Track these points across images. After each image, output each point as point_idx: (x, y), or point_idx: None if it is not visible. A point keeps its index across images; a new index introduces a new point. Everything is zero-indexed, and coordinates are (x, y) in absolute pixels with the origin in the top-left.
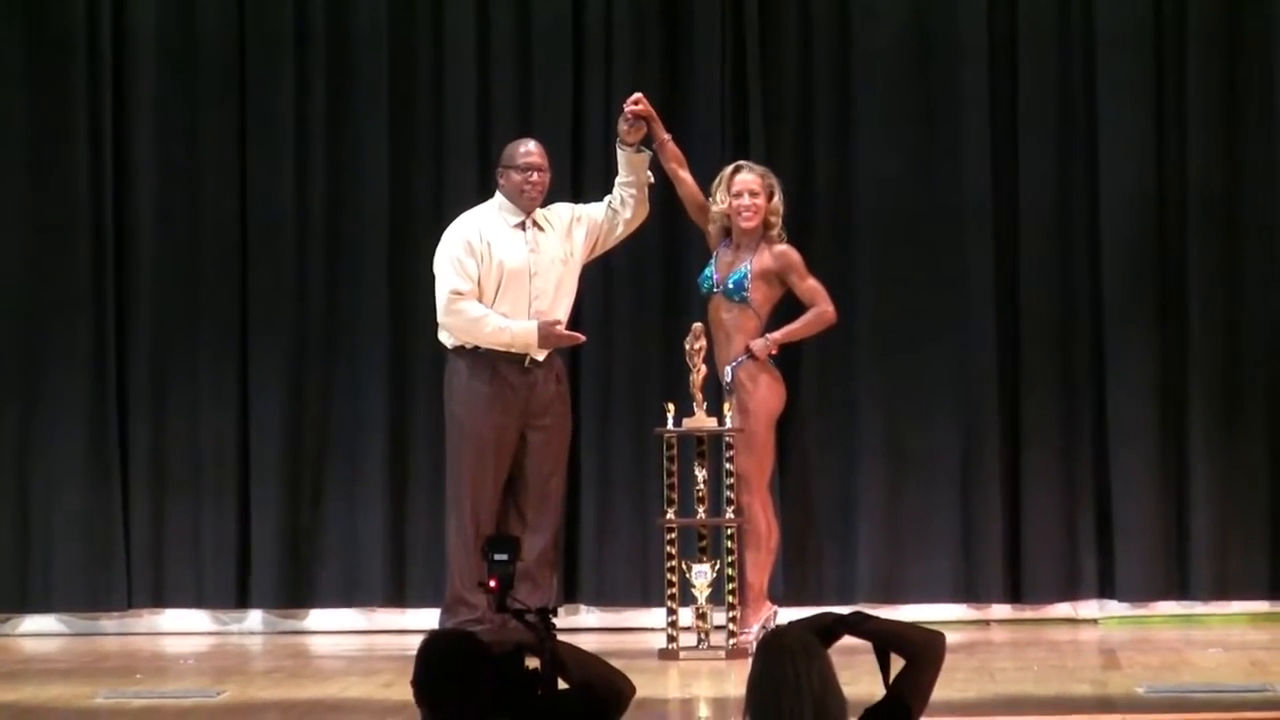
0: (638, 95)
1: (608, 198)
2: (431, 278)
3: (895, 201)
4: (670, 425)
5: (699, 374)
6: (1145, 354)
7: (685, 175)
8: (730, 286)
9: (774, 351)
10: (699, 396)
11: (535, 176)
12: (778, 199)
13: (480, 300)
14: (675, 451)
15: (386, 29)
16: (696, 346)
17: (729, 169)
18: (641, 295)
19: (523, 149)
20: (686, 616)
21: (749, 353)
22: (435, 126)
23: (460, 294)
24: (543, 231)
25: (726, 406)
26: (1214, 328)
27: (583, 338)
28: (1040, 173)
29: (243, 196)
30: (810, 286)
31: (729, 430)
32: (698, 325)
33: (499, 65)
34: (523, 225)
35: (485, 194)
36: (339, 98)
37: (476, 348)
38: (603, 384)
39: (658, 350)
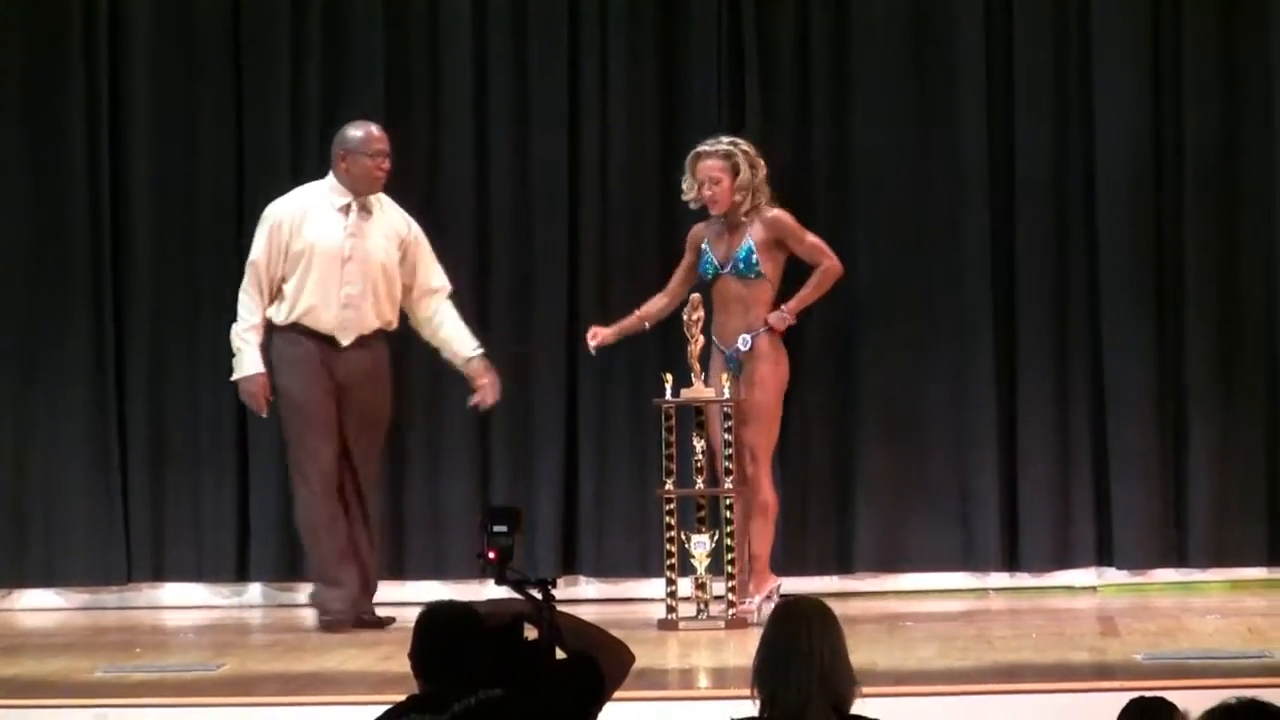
0: (594, 332)
1: (434, 301)
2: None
3: (892, 171)
4: (668, 396)
5: (696, 344)
6: (1142, 321)
7: (656, 307)
8: (741, 266)
9: (792, 322)
10: (697, 367)
11: (386, 163)
12: (745, 174)
13: (288, 279)
14: (673, 422)
15: (382, 4)
16: (694, 317)
17: (690, 157)
18: (638, 266)
19: (375, 132)
20: (686, 587)
21: (767, 325)
22: (431, 107)
23: (255, 273)
24: (370, 216)
25: (724, 378)
26: (1210, 295)
27: (264, 414)
28: (1037, 142)
29: (239, 173)
30: (811, 245)
31: (727, 400)
32: (695, 295)
33: (495, 44)
34: (347, 208)
35: (482, 171)
36: (334, 78)
37: (293, 324)
38: (601, 355)
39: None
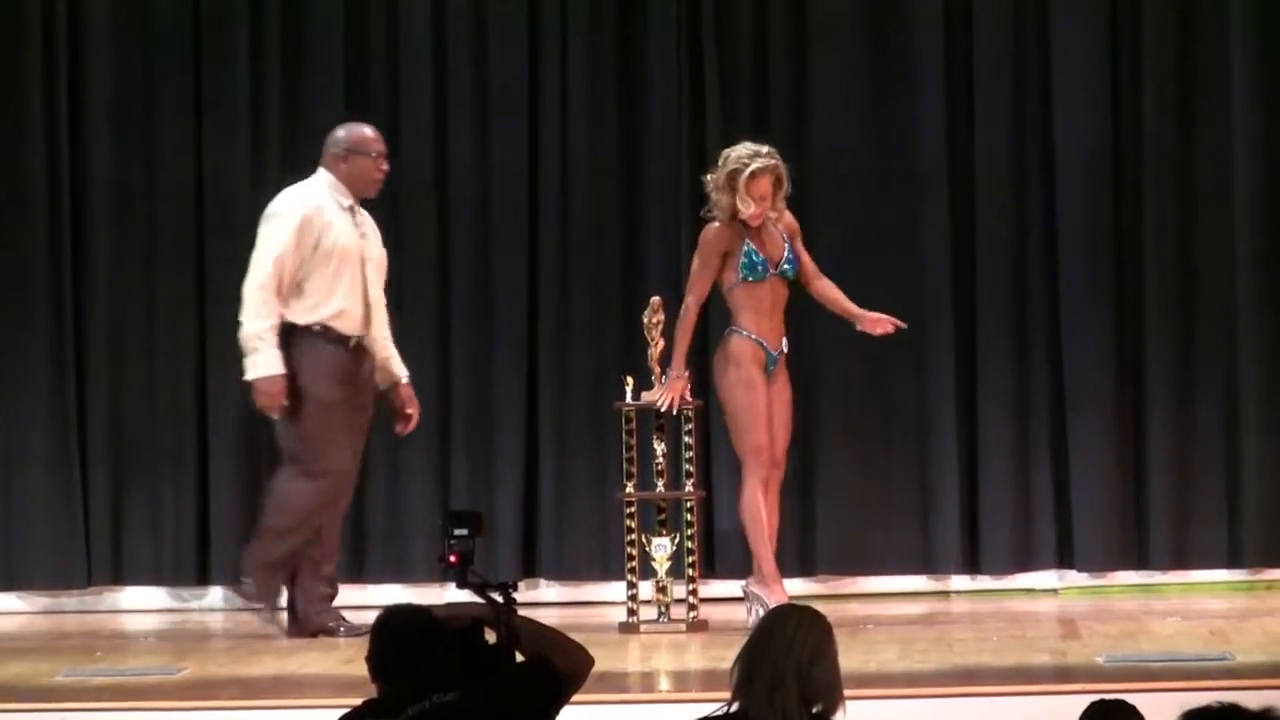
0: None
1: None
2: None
3: (851, 170)
4: (629, 399)
5: (656, 348)
6: (1102, 321)
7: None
8: (790, 268)
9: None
10: (657, 370)
11: (386, 164)
12: (786, 182)
13: (310, 279)
14: (634, 425)
15: (341, 3)
16: (655, 320)
17: (744, 174)
18: (600, 267)
19: (371, 134)
20: (647, 590)
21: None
22: (390, 107)
23: (279, 269)
24: (365, 218)
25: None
26: (1170, 294)
27: (277, 417)
28: (996, 141)
29: (199, 169)
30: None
31: (689, 404)
32: (656, 299)
33: (453, 44)
34: (351, 209)
35: (441, 172)
36: (293, 77)
37: (318, 325)
38: (561, 357)
39: (617, 323)
